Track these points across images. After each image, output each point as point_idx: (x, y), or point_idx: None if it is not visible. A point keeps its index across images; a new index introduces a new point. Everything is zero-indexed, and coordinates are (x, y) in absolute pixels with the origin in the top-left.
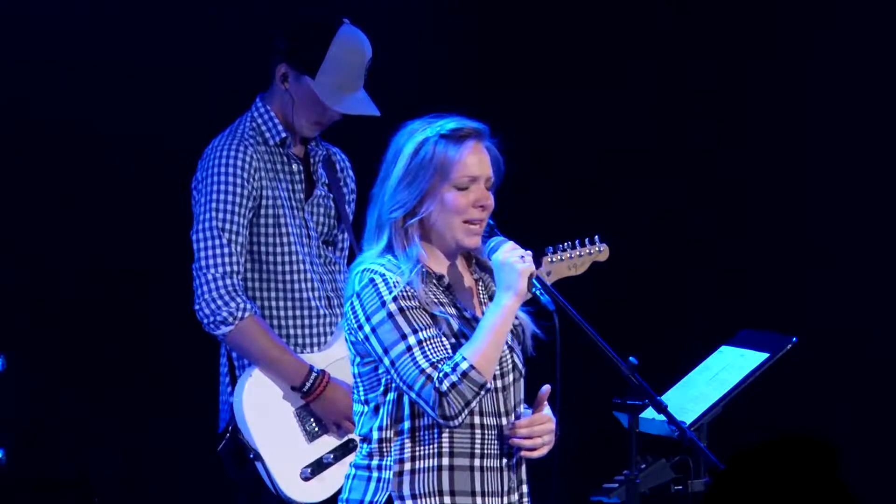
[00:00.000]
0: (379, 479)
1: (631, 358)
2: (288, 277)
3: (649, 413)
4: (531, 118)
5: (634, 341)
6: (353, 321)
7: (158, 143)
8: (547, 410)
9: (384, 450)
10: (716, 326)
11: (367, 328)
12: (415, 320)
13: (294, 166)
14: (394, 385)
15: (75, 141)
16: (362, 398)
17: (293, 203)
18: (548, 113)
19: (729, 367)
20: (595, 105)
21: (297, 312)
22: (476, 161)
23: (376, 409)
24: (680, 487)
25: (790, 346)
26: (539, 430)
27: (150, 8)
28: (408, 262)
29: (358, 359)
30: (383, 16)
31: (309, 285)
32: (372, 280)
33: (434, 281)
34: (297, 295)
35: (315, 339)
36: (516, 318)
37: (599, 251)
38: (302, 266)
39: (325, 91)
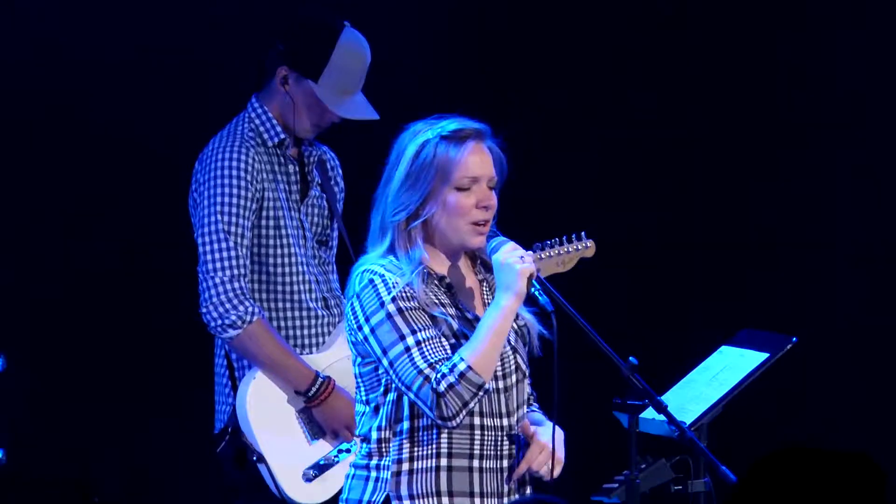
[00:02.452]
0: (377, 479)
1: (631, 358)
2: (287, 279)
3: (649, 413)
4: (531, 118)
5: (634, 341)
6: (353, 322)
7: (159, 143)
8: (539, 436)
9: (383, 450)
10: (716, 326)
11: (366, 329)
12: (414, 321)
13: (291, 167)
14: (394, 385)
15: (76, 141)
16: (364, 398)
17: (290, 204)
18: (548, 112)
19: (729, 367)
20: (596, 104)
21: (296, 314)
22: (477, 161)
23: (376, 409)
24: (680, 487)
25: (790, 346)
26: (538, 463)
27: (145, 6)
28: (409, 264)
29: (359, 359)
30: (383, 16)
31: (306, 287)
32: (371, 281)
33: (435, 282)
34: (295, 297)
35: (313, 341)
36: (522, 318)
37: (587, 247)
38: (300, 268)
39: (328, 95)
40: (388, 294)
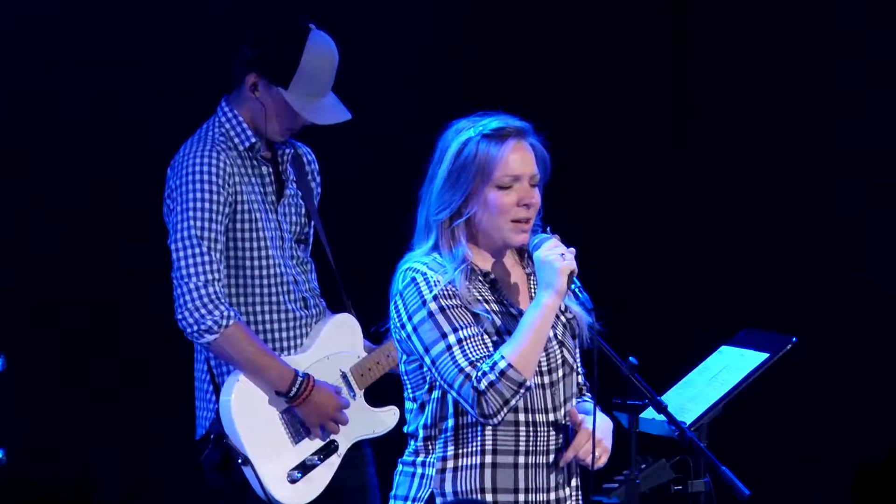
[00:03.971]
0: (423, 476)
1: (631, 358)
2: (265, 282)
3: (649, 413)
4: (531, 117)
5: (634, 341)
6: (397, 320)
7: (159, 143)
8: (586, 424)
9: (429, 447)
10: (716, 326)
11: (409, 327)
12: (455, 319)
13: (264, 169)
14: (437, 383)
15: (75, 141)
16: (410, 395)
17: (266, 206)
18: (548, 112)
19: (729, 367)
20: (595, 104)
21: (275, 316)
22: (517, 160)
23: (422, 406)
24: (680, 487)
25: (790, 346)
26: (585, 450)
27: (144, 7)
28: (452, 262)
29: (404, 357)
30: (383, 15)
31: (285, 288)
32: (413, 279)
33: (479, 278)
34: (273, 299)
35: (293, 342)
36: (570, 311)
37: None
38: (278, 270)
39: (299, 101)
40: (430, 292)
